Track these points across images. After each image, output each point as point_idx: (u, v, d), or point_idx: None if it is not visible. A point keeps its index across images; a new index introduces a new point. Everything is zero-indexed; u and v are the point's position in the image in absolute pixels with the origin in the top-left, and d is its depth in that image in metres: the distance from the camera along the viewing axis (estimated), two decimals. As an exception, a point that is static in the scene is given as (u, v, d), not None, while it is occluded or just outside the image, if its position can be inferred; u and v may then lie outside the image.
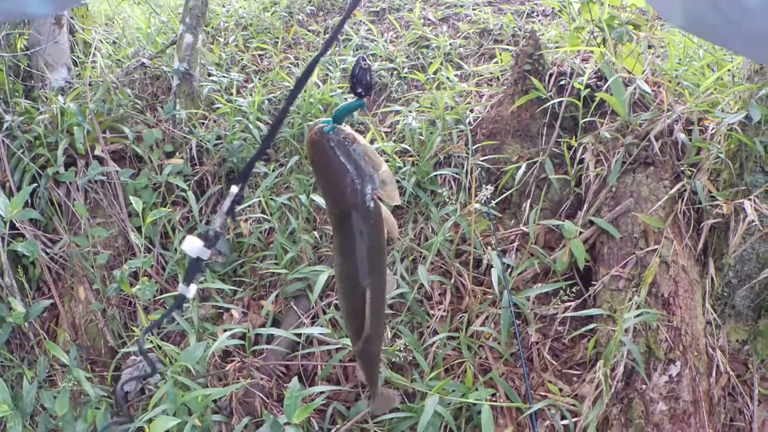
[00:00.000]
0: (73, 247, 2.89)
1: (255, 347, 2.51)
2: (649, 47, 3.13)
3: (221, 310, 2.78)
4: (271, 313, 2.67)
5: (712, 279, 2.38)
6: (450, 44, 3.72)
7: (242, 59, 4.01)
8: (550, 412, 2.20)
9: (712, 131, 2.56)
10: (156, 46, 4.07)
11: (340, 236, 1.12)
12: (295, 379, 2.13)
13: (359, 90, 0.97)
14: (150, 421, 2.00)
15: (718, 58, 2.94)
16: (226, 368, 2.50)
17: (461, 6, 4.33)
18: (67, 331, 2.83)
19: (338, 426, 2.26)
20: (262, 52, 4.09)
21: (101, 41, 4.30)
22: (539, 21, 4.09)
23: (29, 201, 2.99)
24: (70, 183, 3.11)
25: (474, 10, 4.26)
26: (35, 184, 3.03)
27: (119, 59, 4.13)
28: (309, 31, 4.25)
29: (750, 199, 2.31)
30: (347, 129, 1.06)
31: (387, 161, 2.96)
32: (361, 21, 4.19)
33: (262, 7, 4.59)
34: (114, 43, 4.48)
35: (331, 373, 2.48)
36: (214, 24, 4.50)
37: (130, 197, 2.68)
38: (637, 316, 2.16)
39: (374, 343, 1.30)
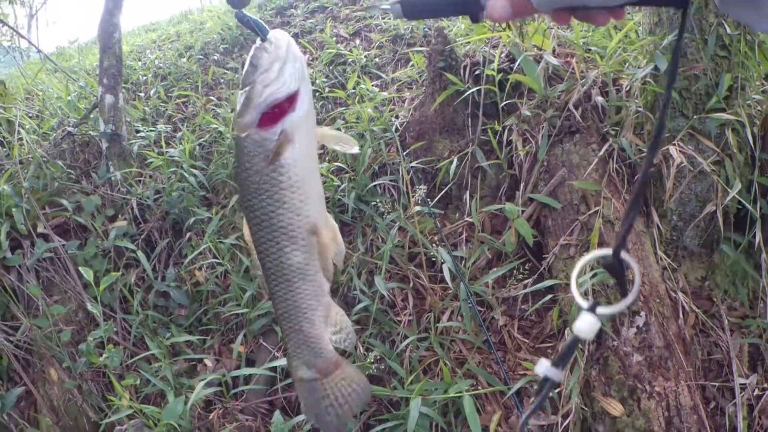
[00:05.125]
0: (35, 330, 2.84)
1: (234, 390, 2.51)
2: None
3: (194, 363, 2.77)
4: (243, 354, 2.67)
5: (658, 227, 2.45)
6: (365, 56, 3.78)
7: (166, 110, 3.99)
8: (532, 389, 2.25)
9: (627, 88, 2.65)
10: (79, 112, 4.02)
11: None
12: (277, 412, 2.15)
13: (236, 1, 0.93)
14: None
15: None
16: (210, 417, 2.49)
17: (370, 17, 4.39)
18: (47, 415, 2.78)
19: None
20: (185, 99, 4.08)
21: (24, 117, 4.23)
22: (447, 18, 4.15)
23: (-19, 292, 2.93)
24: (20, 266, 3.05)
25: (383, 19, 4.32)
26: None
27: (45, 132, 4.07)
28: (227, 69, 4.26)
29: (674, 144, 2.39)
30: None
31: (324, 182, 2.99)
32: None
33: (177, 54, 4.57)
34: (37, 116, 4.41)
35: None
36: (133, 79, 4.47)
37: (81, 268, 2.65)
38: (593, 277, 2.21)
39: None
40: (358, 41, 4.06)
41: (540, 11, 0.65)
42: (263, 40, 0.93)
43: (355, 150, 1.04)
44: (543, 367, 0.70)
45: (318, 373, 1.11)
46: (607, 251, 0.67)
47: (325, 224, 1.01)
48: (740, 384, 2.18)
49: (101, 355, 2.42)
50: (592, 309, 0.67)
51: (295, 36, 4.41)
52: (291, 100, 0.91)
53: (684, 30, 0.69)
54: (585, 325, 0.67)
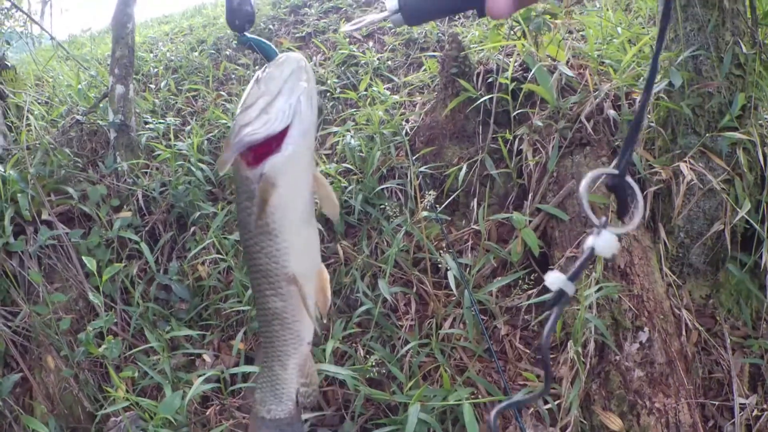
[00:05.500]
0: (35, 316, 2.83)
1: (232, 387, 2.50)
2: (569, 33, 3.22)
3: (192, 357, 2.76)
4: (243, 352, 2.66)
5: (664, 243, 2.44)
6: (378, 59, 3.77)
7: (176, 102, 3.99)
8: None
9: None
10: (89, 101, 4.02)
11: None
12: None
13: (239, 23, 0.85)
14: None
15: (635, 33, 3.02)
16: (207, 413, 2.48)
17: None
18: (42, 403, 2.76)
19: (326, 451, 2.27)
20: (195, 93, 4.07)
21: (33, 103, 4.23)
22: (461, 24, 4.16)
23: (-18, 276, 2.93)
24: (22, 252, 3.04)
25: (396, 21, 4.28)
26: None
27: (54, 119, 4.07)
28: (238, 65, 4.25)
29: (685, 161, 2.38)
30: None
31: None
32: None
33: (189, 48, 4.57)
34: (46, 103, 4.41)
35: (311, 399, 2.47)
36: (144, 71, 4.46)
37: (84, 257, 2.64)
38: (598, 291, 2.21)
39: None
40: (371, 43, 4.06)
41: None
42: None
43: (335, 218, 0.96)
44: (557, 279, 0.64)
45: (270, 418, 1.06)
46: (613, 170, 0.66)
47: (311, 276, 0.92)
48: (740, 404, 2.17)
49: (100, 346, 2.41)
50: (605, 225, 0.64)
51: (308, 36, 4.42)
52: (279, 139, 0.81)
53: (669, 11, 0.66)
54: (604, 242, 0.64)
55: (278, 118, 0.79)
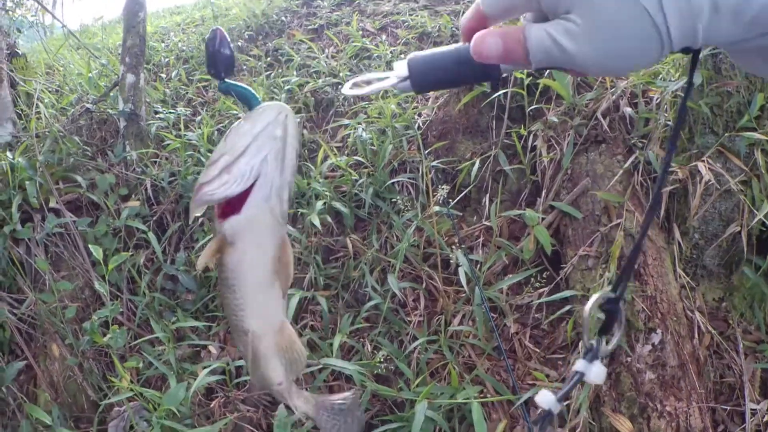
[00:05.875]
0: (40, 304, 2.82)
1: (237, 380, 2.48)
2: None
3: (198, 348, 2.74)
4: (249, 344, 2.63)
5: (679, 244, 2.40)
6: (391, 52, 3.74)
7: (187, 93, 3.97)
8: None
9: (658, 101, 2.60)
10: (99, 90, 4.01)
11: None
12: (281, 406, 2.11)
13: (218, 69, 0.78)
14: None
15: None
16: (211, 405, 2.46)
17: (398, 13, 4.34)
18: (46, 391, 2.75)
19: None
20: (206, 84, 4.05)
21: (43, 91, 4.22)
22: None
23: (-11, 263, 2.92)
24: (29, 239, 3.03)
25: (411, 15, 4.27)
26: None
27: (63, 107, 4.06)
28: (250, 56, 4.23)
29: (703, 161, 2.34)
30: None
31: (342, 176, 2.96)
32: (300, 41, 4.18)
33: (201, 38, 4.55)
34: (57, 91, 4.40)
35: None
36: (155, 61, 4.45)
37: (90, 246, 2.63)
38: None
39: None
40: (384, 36, 4.02)
41: (533, 68, 0.60)
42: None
43: (282, 288, 0.87)
44: (546, 399, 0.68)
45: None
46: (612, 294, 0.69)
47: (267, 333, 0.88)
48: (751, 409, 2.12)
49: (105, 335, 2.40)
50: (591, 352, 0.69)
51: (321, 28, 4.38)
52: (242, 198, 0.76)
53: (693, 77, 0.65)
54: (595, 372, 0.68)
55: (236, 180, 0.74)
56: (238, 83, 0.79)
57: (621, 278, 0.70)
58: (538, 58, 0.56)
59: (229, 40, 0.77)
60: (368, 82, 0.66)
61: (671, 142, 0.68)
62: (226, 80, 0.78)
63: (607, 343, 0.70)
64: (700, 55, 2.38)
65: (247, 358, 0.91)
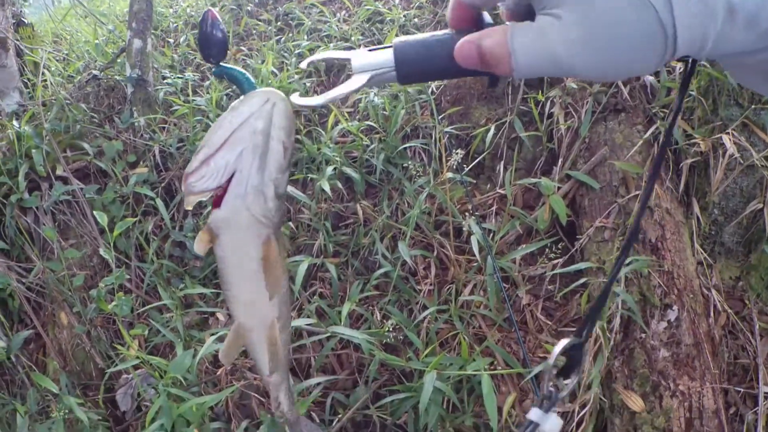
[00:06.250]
0: (48, 273, 2.80)
1: (244, 347, 2.45)
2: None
3: (206, 316, 2.72)
4: (257, 311, 2.61)
5: (697, 219, 2.34)
6: (404, 16, 3.64)
7: (195, 58, 3.91)
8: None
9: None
10: (106, 57, 3.95)
11: None
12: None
13: (213, 51, 0.73)
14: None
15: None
16: (218, 373, 2.44)
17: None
18: (55, 359, 2.76)
19: (339, 416, 2.22)
20: (215, 48, 3.98)
21: (50, 59, 4.17)
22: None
23: (-3, 232, 2.91)
24: (36, 208, 3.02)
25: (426, -22, 4.15)
26: (-1, 215, 2.94)
27: (70, 75, 4.01)
28: (260, 21, 4.15)
29: (728, 133, 2.26)
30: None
31: (353, 141, 2.90)
32: (311, 4, 4.09)
33: (210, 3, 4.47)
34: (64, 59, 4.35)
35: (325, 362, 2.43)
36: (163, 26, 4.38)
37: (96, 212, 2.60)
38: (627, 264, 2.12)
39: None
40: (397, 0, 3.92)
41: (515, 77, 0.52)
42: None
43: (271, 292, 0.86)
44: (536, 416, 0.72)
45: None
46: (577, 340, 0.72)
47: (255, 328, 0.86)
48: (765, 392, 2.07)
49: (111, 302, 2.38)
50: (547, 402, 0.72)
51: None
52: (225, 190, 0.72)
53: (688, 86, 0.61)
54: (551, 425, 0.71)
55: (213, 175, 0.70)
56: (234, 66, 0.73)
57: (588, 320, 0.72)
58: (523, 71, 0.49)
59: (221, 21, 0.72)
60: (329, 63, 0.62)
61: (666, 137, 0.63)
62: (221, 64, 0.73)
63: (562, 387, 0.74)
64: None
65: (227, 343, 0.89)
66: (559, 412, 2.15)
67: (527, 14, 0.52)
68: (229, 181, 0.71)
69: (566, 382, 0.72)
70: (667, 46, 0.43)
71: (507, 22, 0.55)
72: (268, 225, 0.73)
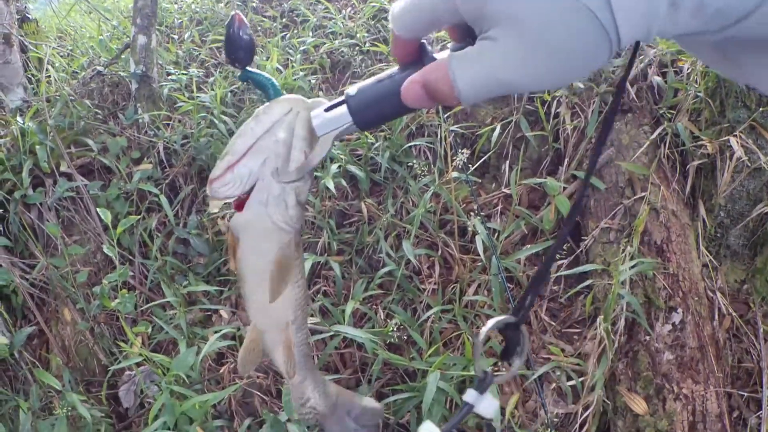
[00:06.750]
0: (52, 269, 2.80)
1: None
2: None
3: (209, 313, 2.71)
4: (261, 309, 2.60)
5: (703, 221, 2.33)
6: (411, 13, 3.63)
7: (200, 54, 3.89)
8: (555, 374, 2.17)
9: (688, 71, 2.50)
10: (110, 53, 3.94)
11: None
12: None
13: (240, 55, 0.74)
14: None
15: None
16: (221, 371, 2.44)
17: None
18: (58, 355, 2.76)
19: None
20: (219, 45, 3.97)
21: (54, 55, 4.16)
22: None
23: (0, 228, 2.90)
24: (40, 204, 3.02)
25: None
26: (2, 211, 2.93)
27: (74, 71, 4.00)
28: (265, 17, 4.14)
29: (735, 136, 2.25)
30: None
31: (358, 138, 2.89)
32: (317, 1, 4.08)
33: (215, 0, 4.47)
34: (68, 55, 4.35)
35: (328, 361, 2.43)
36: (168, 22, 4.36)
37: (99, 209, 2.59)
38: (633, 266, 2.11)
39: None
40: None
41: (463, 105, 0.52)
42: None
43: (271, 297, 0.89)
44: (471, 397, 0.68)
45: None
46: (512, 318, 0.68)
47: (271, 329, 0.87)
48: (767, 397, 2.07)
49: (115, 299, 2.38)
50: (482, 383, 0.68)
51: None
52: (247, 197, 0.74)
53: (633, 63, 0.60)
54: (486, 405, 0.68)
55: (235, 182, 0.71)
56: (260, 72, 0.74)
57: (523, 302, 0.68)
58: (470, 100, 0.49)
59: (248, 26, 0.73)
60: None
61: (604, 128, 0.63)
62: (247, 68, 0.74)
63: (507, 365, 0.70)
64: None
65: (245, 347, 0.89)
66: (562, 414, 2.16)
67: (469, 30, 0.51)
68: (251, 187, 0.71)
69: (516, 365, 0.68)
70: (611, 45, 0.43)
71: (449, 45, 0.55)
72: (290, 231, 0.74)
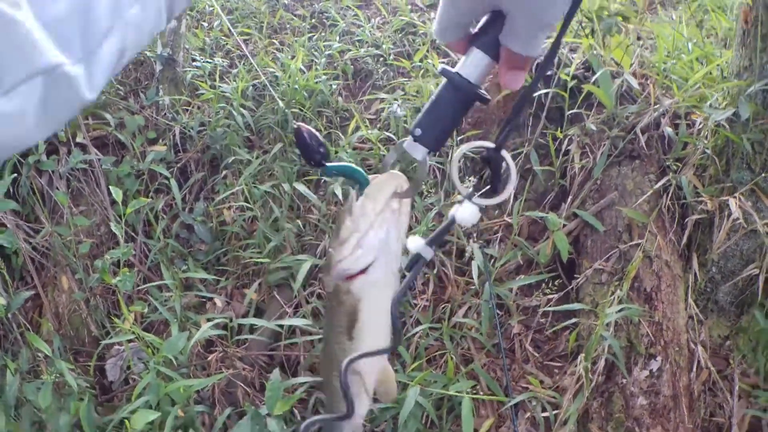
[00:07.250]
0: (56, 236, 2.85)
1: (238, 337, 2.50)
2: (638, 39, 3.10)
3: (204, 299, 2.76)
4: (254, 302, 2.65)
5: (695, 274, 2.36)
6: (437, 32, 3.68)
7: (227, 44, 3.95)
8: (531, 404, 2.21)
9: (700, 126, 2.54)
10: (140, 31, 3.98)
11: None
12: (276, 371, 2.13)
13: (317, 158, 0.83)
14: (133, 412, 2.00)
15: (707, 52, 2.90)
16: (209, 358, 2.49)
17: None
18: (50, 321, 2.79)
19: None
20: (247, 37, 4.02)
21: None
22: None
23: (11, 190, 2.93)
24: (52, 171, 3.05)
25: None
26: (16, 174, 2.97)
27: (101, 44, 4.03)
28: (295, 15, 4.19)
29: (735, 197, 2.28)
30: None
31: (371, 149, 2.94)
32: (347, 6, 4.13)
33: (248, -10, 4.52)
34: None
35: (314, 363, 2.47)
36: (199, 8, 4.42)
37: (111, 187, 2.64)
38: (619, 311, 2.15)
39: None
40: (432, 14, 3.95)
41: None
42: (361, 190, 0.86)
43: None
44: (416, 243, 0.75)
45: None
46: (490, 144, 0.72)
47: (373, 372, 0.95)
48: (734, 453, 2.11)
49: (115, 275, 2.42)
50: (471, 197, 0.74)
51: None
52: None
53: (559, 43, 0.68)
54: (465, 212, 0.74)
55: (367, 253, 0.82)
56: (340, 164, 0.84)
57: (505, 127, 0.72)
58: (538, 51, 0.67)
59: (315, 132, 0.83)
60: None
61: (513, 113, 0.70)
62: (327, 165, 0.83)
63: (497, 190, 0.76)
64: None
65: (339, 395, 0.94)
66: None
67: (470, 38, 0.67)
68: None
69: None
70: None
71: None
72: (398, 277, 0.86)
